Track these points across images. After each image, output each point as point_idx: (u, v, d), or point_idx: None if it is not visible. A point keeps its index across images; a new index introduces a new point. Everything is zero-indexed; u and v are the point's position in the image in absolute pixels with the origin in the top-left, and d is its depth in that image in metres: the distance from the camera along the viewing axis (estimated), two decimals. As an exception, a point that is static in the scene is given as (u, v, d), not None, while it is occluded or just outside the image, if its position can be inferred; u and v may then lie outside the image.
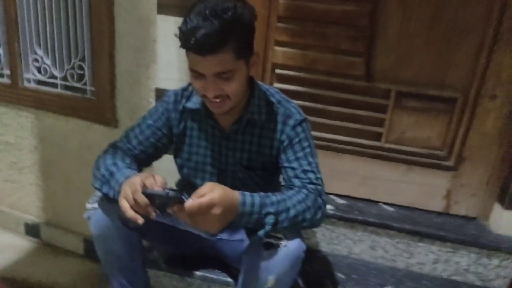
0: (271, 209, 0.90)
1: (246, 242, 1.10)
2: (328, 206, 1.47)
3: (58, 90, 1.73)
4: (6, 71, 1.80)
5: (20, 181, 1.95)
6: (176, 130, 1.13)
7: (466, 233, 1.42)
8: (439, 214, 1.55)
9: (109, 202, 1.00)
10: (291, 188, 1.01)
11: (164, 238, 1.21)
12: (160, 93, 1.49)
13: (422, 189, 1.54)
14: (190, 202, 0.82)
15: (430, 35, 1.37)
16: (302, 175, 1.02)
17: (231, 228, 1.18)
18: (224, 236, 1.20)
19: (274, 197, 0.92)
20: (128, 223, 1.01)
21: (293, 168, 1.03)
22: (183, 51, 0.93)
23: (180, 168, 1.18)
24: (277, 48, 1.48)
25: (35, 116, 1.80)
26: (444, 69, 1.40)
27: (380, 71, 1.44)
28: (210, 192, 0.83)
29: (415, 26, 1.37)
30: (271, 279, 0.94)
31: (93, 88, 1.66)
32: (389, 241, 1.46)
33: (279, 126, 1.06)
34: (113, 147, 1.10)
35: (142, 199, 0.84)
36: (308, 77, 1.49)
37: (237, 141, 1.10)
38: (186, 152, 1.15)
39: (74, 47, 1.68)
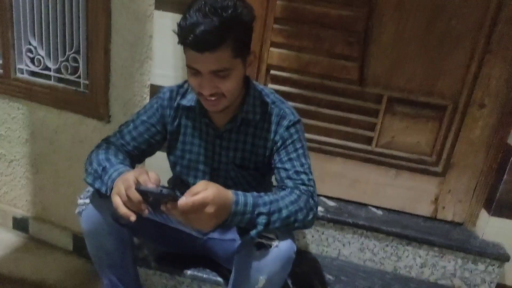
0: (263, 209, 0.90)
1: (238, 241, 1.10)
2: (318, 208, 1.47)
3: (51, 82, 1.70)
4: (-2, 61, 1.76)
5: (9, 174, 1.92)
6: (170, 127, 1.13)
7: (453, 238, 1.45)
8: (427, 218, 1.57)
9: (101, 198, 1.00)
10: (284, 189, 1.01)
11: (155, 235, 1.20)
12: (154, 89, 1.48)
13: (411, 194, 1.56)
14: (184, 200, 0.82)
15: (424, 43, 1.40)
16: (294, 176, 1.02)
17: (223, 228, 1.18)
18: (215, 235, 1.21)
19: (266, 197, 0.93)
20: (119, 220, 1.01)
21: (286, 169, 1.04)
22: (179, 48, 0.93)
23: (173, 165, 1.18)
24: (273, 49, 1.49)
25: (27, 108, 1.77)
26: (435, 76, 1.43)
27: (373, 76, 1.46)
28: (204, 191, 0.83)
29: (409, 33, 1.40)
30: (262, 279, 0.94)
31: (87, 82, 1.64)
32: (377, 244, 1.48)
33: (273, 127, 1.07)
34: (106, 142, 1.09)
35: (135, 196, 0.84)
36: (302, 79, 1.50)
37: (231, 140, 1.10)
38: (179, 149, 1.15)
39: (69, 39, 1.65)
